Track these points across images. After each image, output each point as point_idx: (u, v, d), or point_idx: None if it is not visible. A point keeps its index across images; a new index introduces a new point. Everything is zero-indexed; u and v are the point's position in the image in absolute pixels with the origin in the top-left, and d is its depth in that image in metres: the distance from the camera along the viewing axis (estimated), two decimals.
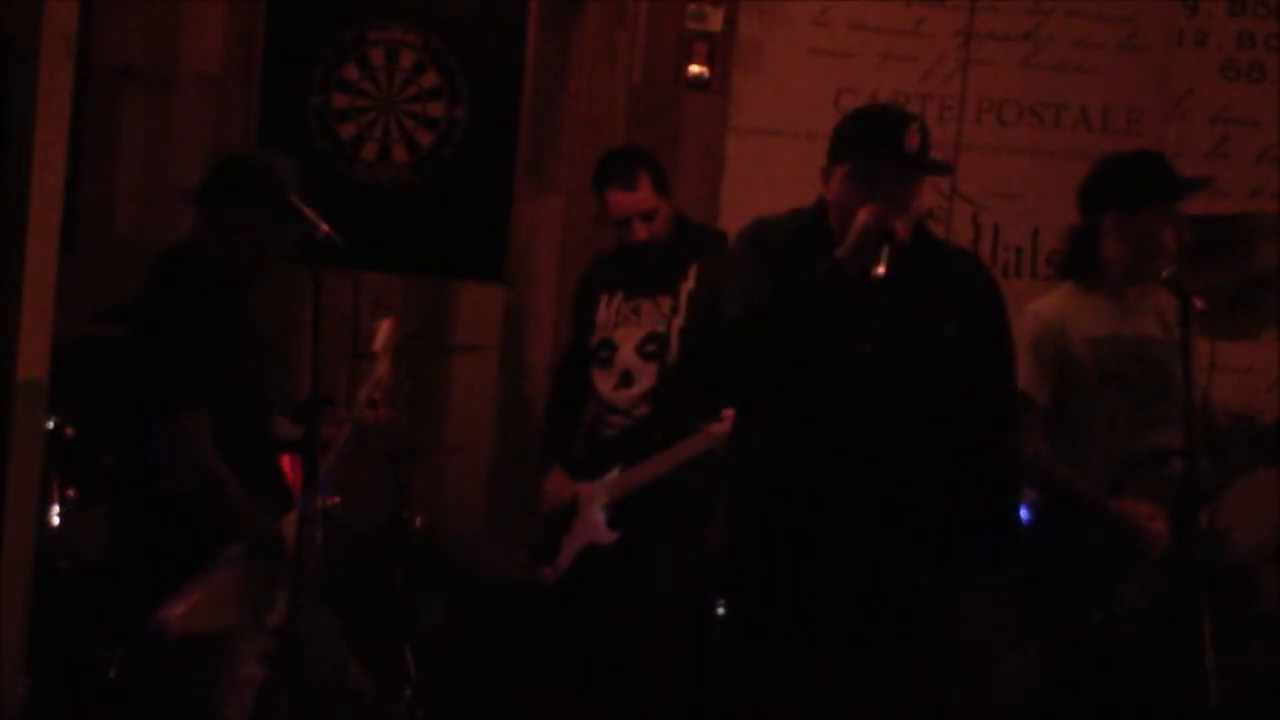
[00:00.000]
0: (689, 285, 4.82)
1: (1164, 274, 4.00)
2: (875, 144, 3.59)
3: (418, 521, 5.28)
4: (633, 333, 4.93)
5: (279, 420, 4.24)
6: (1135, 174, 4.29)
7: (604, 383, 4.97)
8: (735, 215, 5.61)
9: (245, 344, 3.98)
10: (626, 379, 4.92)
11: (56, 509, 4.72)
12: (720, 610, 4.45)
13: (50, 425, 4.65)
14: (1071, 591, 4.14)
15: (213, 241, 3.96)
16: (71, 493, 4.75)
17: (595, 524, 4.88)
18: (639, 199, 4.86)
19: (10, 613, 2.88)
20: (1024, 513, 4.41)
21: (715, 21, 6.08)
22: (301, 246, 3.87)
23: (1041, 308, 4.32)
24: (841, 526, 3.62)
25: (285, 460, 5.07)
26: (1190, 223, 4.26)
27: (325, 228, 3.87)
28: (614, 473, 4.88)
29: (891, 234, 3.47)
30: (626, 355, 4.92)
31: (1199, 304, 3.96)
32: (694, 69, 6.09)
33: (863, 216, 3.49)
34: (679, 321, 4.80)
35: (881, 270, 3.44)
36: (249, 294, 4.02)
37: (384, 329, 4.30)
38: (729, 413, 4.39)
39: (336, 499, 5.02)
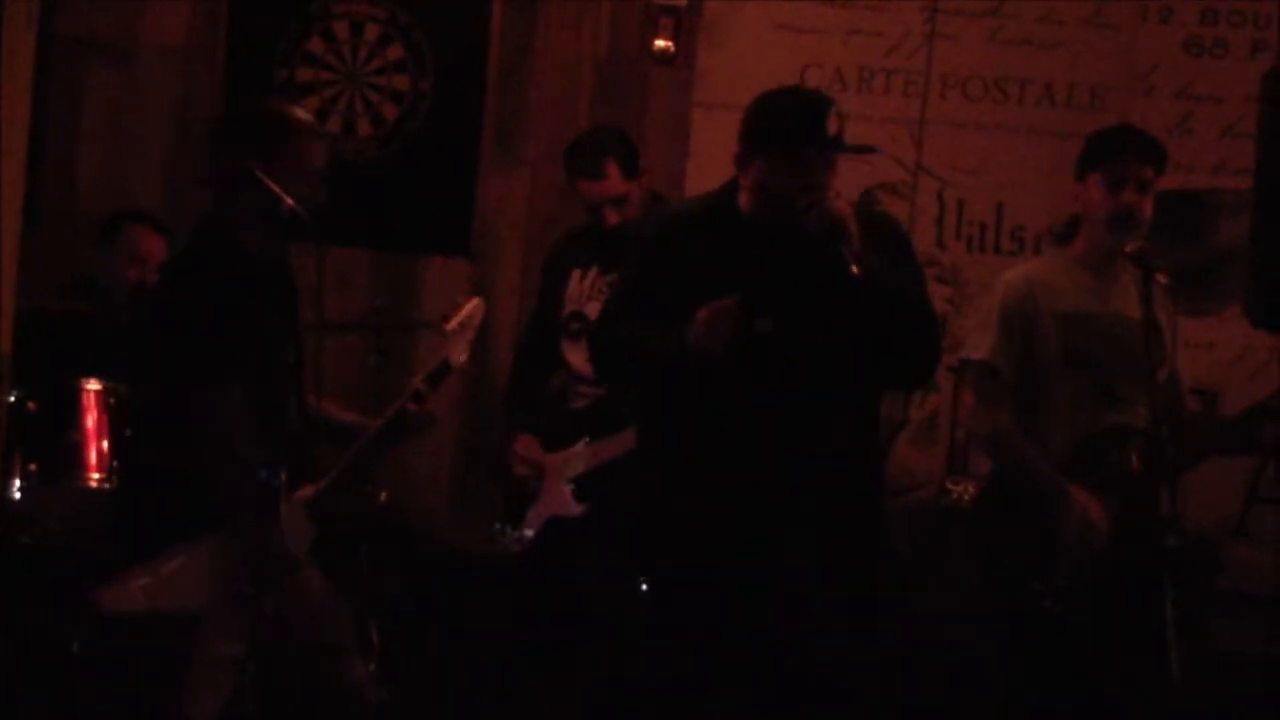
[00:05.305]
0: None
1: (1128, 249, 4.01)
2: (799, 132, 3.64)
3: (382, 497, 5.25)
4: None
5: (327, 404, 4.19)
6: (1087, 144, 4.30)
7: (575, 354, 4.95)
8: (700, 190, 5.58)
9: (261, 317, 3.90)
10: None
11: (18, 483, 4.68)
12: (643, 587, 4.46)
13: (12, 399, 4.61)
14: (1018, 569, 4.15)
15: (217, 208, 3.92)
16: (34, 467, 4.71)
17: (562, 496, 4.88)
18: (607, 187, 4.86)
19: None
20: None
21: None
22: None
23: (1013, 275, 4.29)
24: (754, 503, 3.67)
25: None
26: (1156, 199, 4.25)
27: (289, 202, 3.85)
28: (581, 445, 4.87)
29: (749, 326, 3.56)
30: None
31: (1162, 279, 3.98)
32: (659, 43, 6.07)
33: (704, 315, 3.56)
34: None
35: (856, 271, 3.51)
36: (257, 262, 3.94)
37: (467, 308, 4.28)
38: None
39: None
